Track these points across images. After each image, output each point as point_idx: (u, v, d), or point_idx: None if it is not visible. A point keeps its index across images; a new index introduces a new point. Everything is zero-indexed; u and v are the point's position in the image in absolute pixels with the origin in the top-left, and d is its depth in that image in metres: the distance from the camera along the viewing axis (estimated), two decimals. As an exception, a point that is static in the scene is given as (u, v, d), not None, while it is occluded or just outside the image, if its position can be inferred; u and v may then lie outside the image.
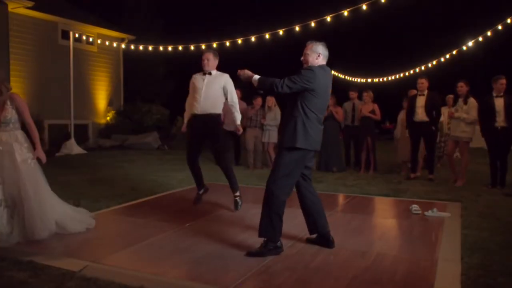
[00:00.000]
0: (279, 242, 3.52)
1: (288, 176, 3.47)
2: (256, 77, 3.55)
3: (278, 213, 3.45)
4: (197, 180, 5.34)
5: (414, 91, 8.09)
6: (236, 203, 5.08)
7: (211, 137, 5.03)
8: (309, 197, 3.70)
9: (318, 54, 3.60)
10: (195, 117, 5.02)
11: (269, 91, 3.55)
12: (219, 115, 5.05)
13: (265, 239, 3.49)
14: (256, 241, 3.73)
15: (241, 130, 5.31)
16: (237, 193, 5.11)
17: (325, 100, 3.60)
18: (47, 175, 4.12)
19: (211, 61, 4.99)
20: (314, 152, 3.63)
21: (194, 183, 5.45)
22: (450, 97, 8.89)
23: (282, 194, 3.44)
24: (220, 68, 5.20)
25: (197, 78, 5.07)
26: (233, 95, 5.07)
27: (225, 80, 5.02)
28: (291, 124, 3.48)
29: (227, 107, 5.16)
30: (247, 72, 3.60)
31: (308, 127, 3.45)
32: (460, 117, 6.84)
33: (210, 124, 4.97)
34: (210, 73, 5.01)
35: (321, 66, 3.57)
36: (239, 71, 3.64)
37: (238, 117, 5.16)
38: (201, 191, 5.42)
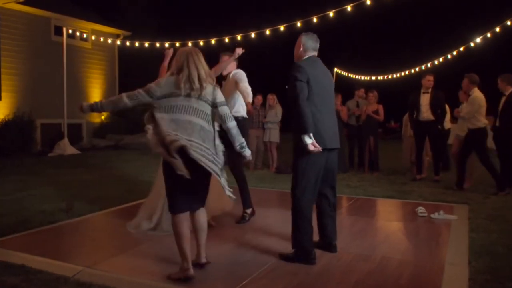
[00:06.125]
0: (312, 253, 3.33)
1: (304, 176, 3.31)
2: None
3: (307, 217, 3.31)
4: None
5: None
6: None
7: None
8: (328, 200, 3.58)
9: (300, 47, 3.46)
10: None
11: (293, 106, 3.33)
12: None
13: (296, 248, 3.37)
14: (256, 243, 3.67)
15: None
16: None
17: (320, 89, 3.34)
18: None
19: None
20: (327, 151, 3.38)
21: None
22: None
23: (305, 194, 3.31)
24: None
25: None
26: None
27: None
28: (295, 122, 3.28)
29: None
30: None
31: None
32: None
33: None
34: None
35: (307, 59, 3.41)
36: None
37: None
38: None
